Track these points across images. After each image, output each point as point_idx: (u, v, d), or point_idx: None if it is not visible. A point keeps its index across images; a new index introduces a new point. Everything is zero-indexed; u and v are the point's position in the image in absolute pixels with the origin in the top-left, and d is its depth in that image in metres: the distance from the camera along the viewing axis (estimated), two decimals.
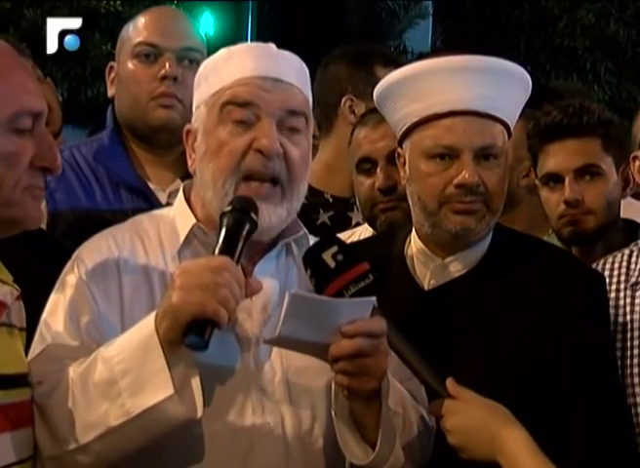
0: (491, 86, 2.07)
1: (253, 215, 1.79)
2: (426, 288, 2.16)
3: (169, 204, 2.55)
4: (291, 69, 1.91)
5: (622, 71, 12.94)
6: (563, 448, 1.94)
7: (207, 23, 12.90)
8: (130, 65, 2.70)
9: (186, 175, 2.60)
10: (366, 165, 2.62)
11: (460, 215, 2.07)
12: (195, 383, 1.71)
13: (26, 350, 1.81)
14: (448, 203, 2.07)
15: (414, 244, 2.20)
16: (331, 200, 3.00)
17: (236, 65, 1.88)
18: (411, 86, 2.08)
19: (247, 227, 1.77)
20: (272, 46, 1.93)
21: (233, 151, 1.84)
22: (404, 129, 2.11)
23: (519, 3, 13.26)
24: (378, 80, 3.06)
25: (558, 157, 2.54)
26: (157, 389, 1.67)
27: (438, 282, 2.15)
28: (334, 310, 1.74)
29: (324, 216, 2.99)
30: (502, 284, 2.12)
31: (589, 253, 2.56)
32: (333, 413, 1.82)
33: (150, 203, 2.64)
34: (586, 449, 2.04)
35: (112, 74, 2.78)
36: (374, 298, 1.76)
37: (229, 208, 1.79)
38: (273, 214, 1.86)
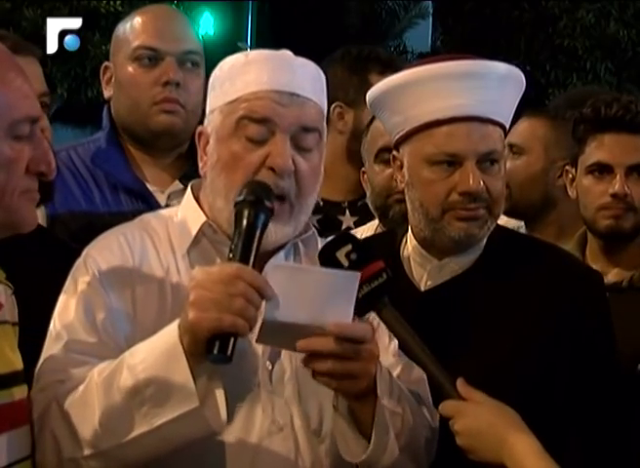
0: (490, 90, 2.06)
1: (267, 203, 1.77)
2: (423, 288, 2.16)
3: (168, 205, 2.56)
4: (307, 80, 1.90)
5: (622, 71, 12.96)
6: (562, 447, 1.93)
7: (207, 23, 12.92)
8: (129, 69, 2.67)
9: (184, 176, 2.63)
10: (386, 154, 2.62)
11: (464, 222, 2.07)
12: (220, 396, 1.68)
13: (19, 345, 1.79)
14: (452, 210, 2.07)
15: (410, 245, 2.20)
16: (321, 203, 3.00)
17: (253, 76, 1.87)
18: (410, 91, 2.08)
19: (262, 220, 1.75)
20: (289, 54, 1.92)
21: (247, 166, 1.84)
22: (402, 133, 2.11)
23: (519, 3, 13.28)
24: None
25: (613, 149, 2.52)
26: (181, 401, 1.65)
27: (435, 282, 2.15)
28: (317, 281, 1.70)
29: (312, 219, 3.00)
30: (499, 283, 2.12)
31: (619, 251, 2.56)
32: (333, 407, 1.82)
33: (149, 205, 2.62)
34: (585, 449, 2.03)
35: (107, 75, 2.76)
36: (358, 273, 1.72)
37: (241, 198, 1.78)
38: (280, 232, 1.85)
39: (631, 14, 12.96)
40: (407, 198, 2.14)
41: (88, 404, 1.70)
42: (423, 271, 2.15)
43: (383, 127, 2.27)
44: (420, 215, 2.10)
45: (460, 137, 2.04)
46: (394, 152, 2.16)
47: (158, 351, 1.68)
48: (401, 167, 2.13)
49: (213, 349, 1.62)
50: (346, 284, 1.71)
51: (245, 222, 1.74)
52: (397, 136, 2.12)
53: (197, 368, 1.66)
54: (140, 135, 2.67)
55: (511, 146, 2.95)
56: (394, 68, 2.79)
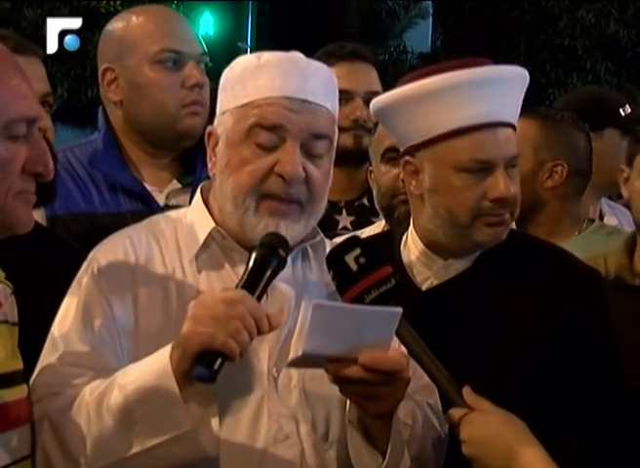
0: (509, 95, 2.09)
1: (281, 252, 1.78)
2: (424, 288, 2.16)
3: (167, 205, 2.57)
4: (320, 85, 1.89)
5: (622, 71, 12.99)
6: (562, 447, 1.92)
7: (207, 23, 12.95)
8: (150, 72, 2.65)
9: (182, 176, 2.65)
10: (392, 154, 2.61)
11: (493, 227, 2.09)
12: (214, 421, 1.68)
13: (19, 344, 1.78)
14: (482, 216, 2.07)
15: (412, 245, 2.20)
16: None
17: (264, 81, 1.86)
18: (430, 101, 2.06)
19: (273, 264, 1.75)
20: (302, 58, 1.90)
21: (255, 172, 1.84)
22: (422, 140, 2.10)
23: (519, 3, 13.31)
24: None
25: None
26: (171, 423, 1.65)
27: (440, 282, 2.16)
28: (359, 319, 1.70)
29: None
30: (500, 282, 2.11)
31: None
32: (347, 421, 1.81)
33: (149, 205, 2.62)
34: (586, 449, 2.03)
35: (110, 77, 2.73)
36: (400, 310, 1.73)
37: (258, 243, 1.79)
38: (290, 230, 1.84)
39: (631, 14, 13.00)
40: (428, 205, 2.12)
41: (80, 422, 1.70)
42: (428, 271, 2.15)
43: (391, 134, 2.26)
44: (444, 221, 2.09)
45: (491, 144, 2.05)
46: (407, 157, 2.13)
47: (149, 372, 1.67)
48: (415, 172, 2.12)
49: (199, 364, 1.62)
50: (388, 321, 1.71)
51: (257, 261, 1.74)
52: (414, 143, 2.11)
53: (188, 390, 1.65)
54: (163, 136, 2.66)
55: None
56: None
